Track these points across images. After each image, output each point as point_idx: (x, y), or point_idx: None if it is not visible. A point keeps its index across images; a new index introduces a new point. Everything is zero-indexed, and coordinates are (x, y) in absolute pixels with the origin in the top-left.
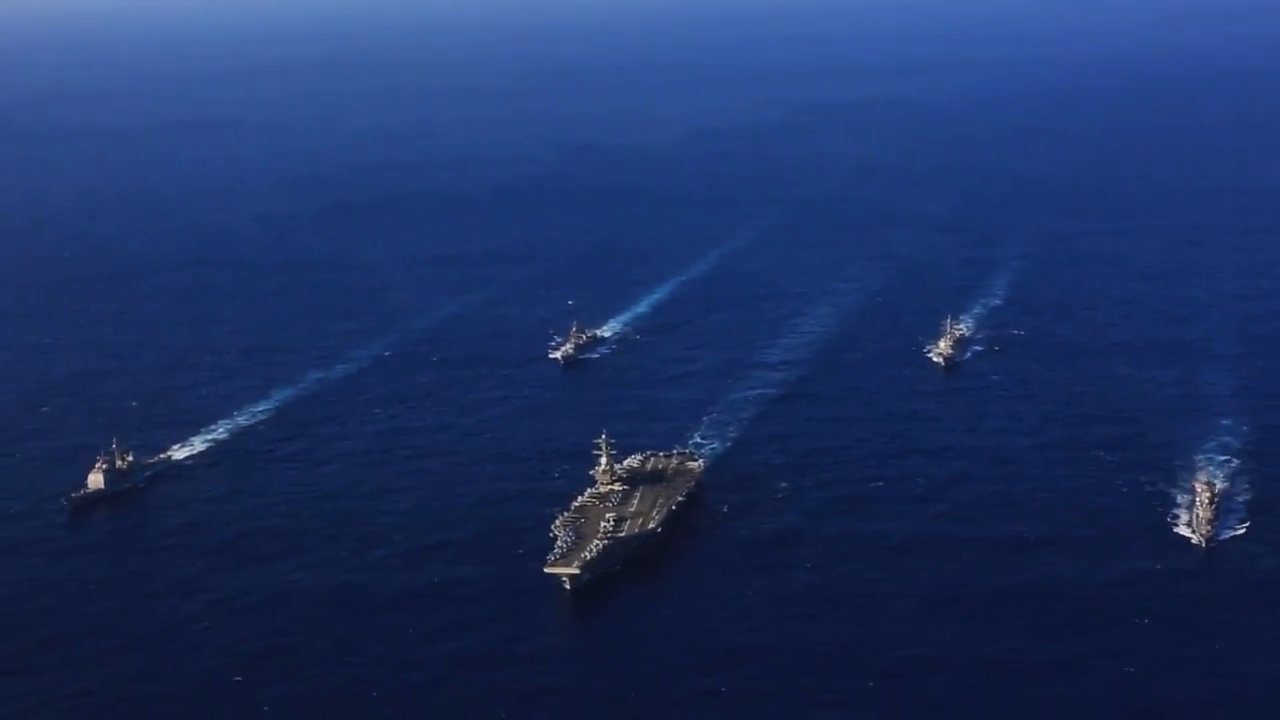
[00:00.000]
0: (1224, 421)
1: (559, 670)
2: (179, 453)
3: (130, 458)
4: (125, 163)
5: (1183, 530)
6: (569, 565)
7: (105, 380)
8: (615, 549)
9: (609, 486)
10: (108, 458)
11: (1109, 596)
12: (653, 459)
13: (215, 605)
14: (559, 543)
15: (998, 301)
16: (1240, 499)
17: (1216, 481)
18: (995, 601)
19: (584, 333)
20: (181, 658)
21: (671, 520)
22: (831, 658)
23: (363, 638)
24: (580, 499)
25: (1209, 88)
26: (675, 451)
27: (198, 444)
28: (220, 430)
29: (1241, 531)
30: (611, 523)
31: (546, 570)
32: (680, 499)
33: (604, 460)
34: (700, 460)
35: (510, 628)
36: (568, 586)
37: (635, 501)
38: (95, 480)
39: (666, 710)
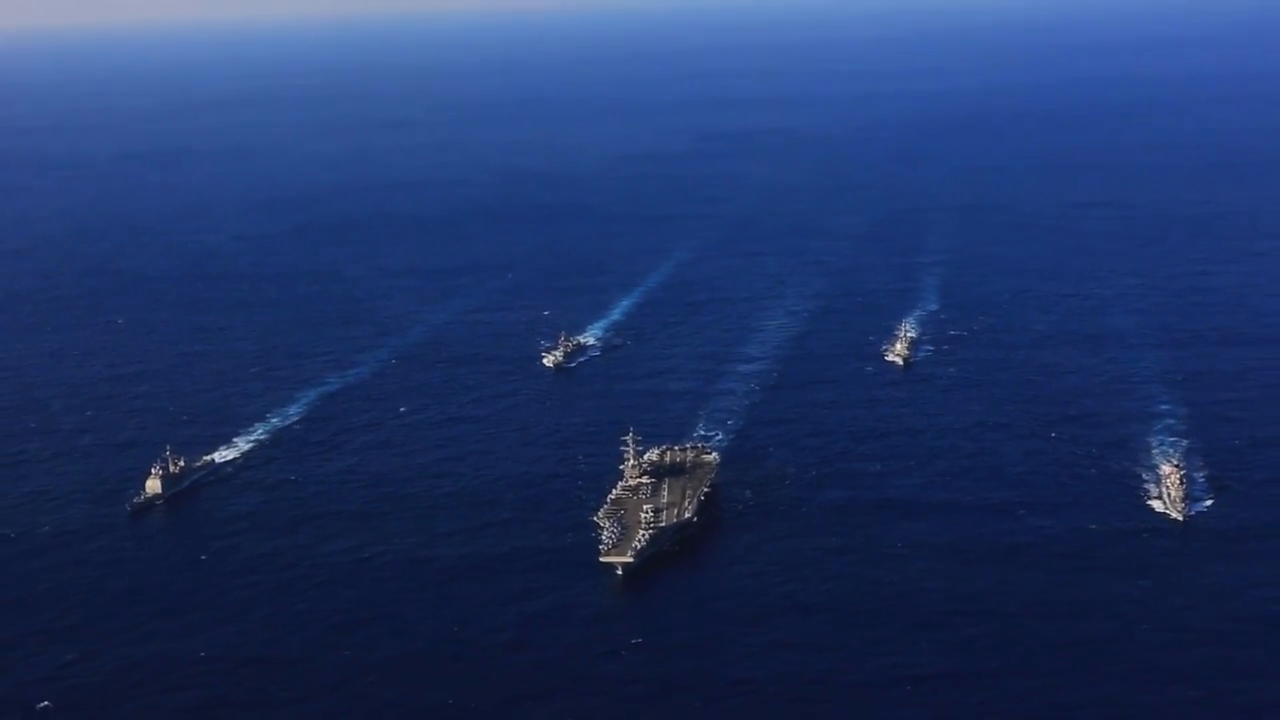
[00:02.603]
0: (1163, 406)
1: (629, 627)
2: (222, 455)
3: (181, 462)
4: (97, 190)
5: (1157, 506)
6: (623, 554)
7: (135, 384)
8: (659, 537)
9: (637, 479)
10: (162, 464)
11: (1105, 553)
12: (669, 452)
13: (300, 580)
14: (606, 533)
15: (934, 306)
16: (1199, 476)
17: (1180, 465)
18: (1005, 556)
19: (571, 340)
20: (284, 627)
21: (701, 508)
22: (870, 611)
23: (444, 603)
24: (614, 492)
25: (1081, 117)
26: (690, 445)
27: (241, 445)
28: (259, 431)
29: (1210, 503)
30: (650, 513)
31: (602, 560)
32: (706, 489)
33: (631, 456)
34: (715, 453)
35: (572, 594)
36: (620, 573)
37: (665, 493)
38: (153, 486)
39: (735, 657)
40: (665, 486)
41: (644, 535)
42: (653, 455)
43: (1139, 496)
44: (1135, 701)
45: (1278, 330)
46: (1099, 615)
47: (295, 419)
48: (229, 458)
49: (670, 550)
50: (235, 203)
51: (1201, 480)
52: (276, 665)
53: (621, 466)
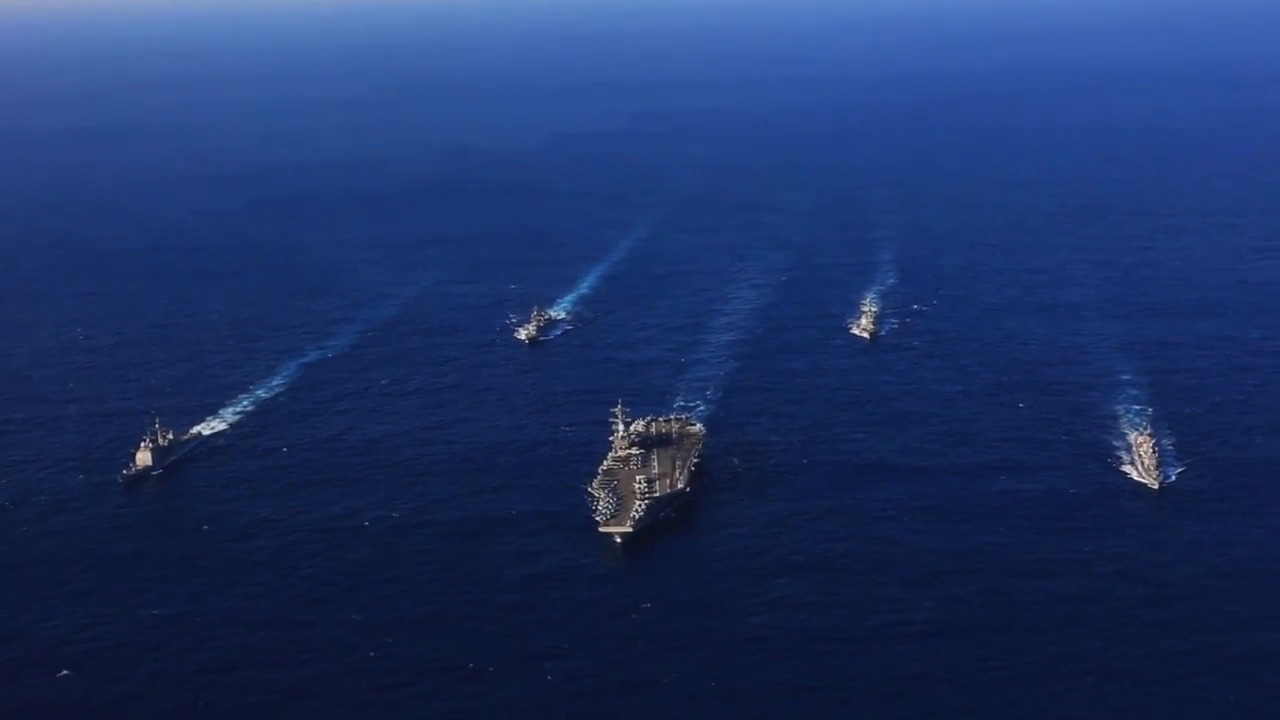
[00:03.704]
0: (1124, 377)
1: (634, 588)
2: (210, 427)
3: (170, 435)
4: (47, 165)
5: (1131, 473)
6: (622, 524)
7: (113, 355)
8: (654, 507)
9: (626, 451)
10: (151, 436)
11: (1085, 515)
12: (655, 423)
13: (302, 544)
14: (602, 504)
15: (892, 280)
16: (1168, 444)
17: (1151, 433)
18: (990, 517)
19: (543, 314)
20: (293, 590)
21: (691, 478)
22: (866, 570)
23: (449, 566)
24: (605, 463)
25: (1014, 101)
26: (675, 416)
27: (228, 416)
28: (244, 403)
29: (1182, 470)
30: (644, 484)
31: (601, 530)
32: (696, 460)
33: (620, 427)
34: (700, 425)
35: (574, 557)
36: (619, 541)
37: (655, 464)
38: (143, 458)
39: (740, 615)
40: (655, 457)
41: (640, 505)
42: (638, 427)
43: (1111, 463)
44: (1126, 655)
45: (1220, 302)
46: (1085, 573)
47: (279, 389)
48: (218, 429)
49: (666, 519)
50: (189, 179)
51: (1170, 448)
52: (289, 627)
53: (611, 438)
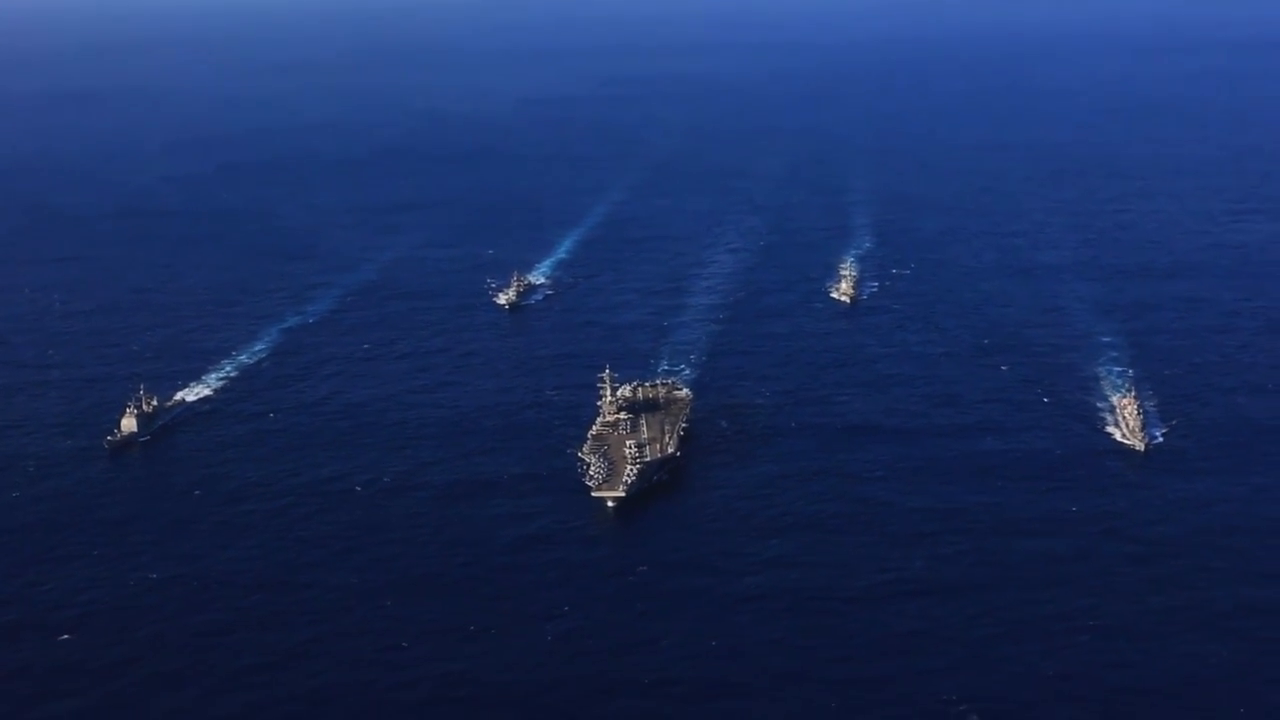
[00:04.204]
0: (1105, 339)
1: (628, 550)
2: (195, 393)
3: (154, 402)
4: (13, 130)
5: (1115, 435)
6: (614, 489)
7: (92, 321)
8: (646, 472)
9: (615, 415)
10: (136, 403)
11: (1072, 474)
12: (641, 388)
13: (295, 507)
14: (593, 469)
15: (869, 244)
16: (1151, 406)
17: (1134, 395)
18: (977, 476)
19: (523, 279)
20: (288, 552)
21: (681, 442)
22: (856, 529)
23: (443, 527)
24: (594, 428)
25: (981, 65)
26: (661, 381)
27: (212, 381)
28: (228, 368)
29: (1166, 431)
30: (635, 449)
31: (594, 494)
32: (684, 425)
33: (608, 393)
34: (686, 390)
35: (564, 517)
36: (611, 506)
37: (644, 429)
38: (129, 425)
39: (735, 574)
40: (644, 422)
41: (632, 470)
42: (625, 392)
43: (1095, 425)
44: (1119, 612)
45: (1197, 264)
46: (1074, 532)
47: (261, 354)
48: (202, 394)
49: (658, 483)
50: (157, 144)
51: (1154, 409)
52: (286, 589)
53: (598, 403)
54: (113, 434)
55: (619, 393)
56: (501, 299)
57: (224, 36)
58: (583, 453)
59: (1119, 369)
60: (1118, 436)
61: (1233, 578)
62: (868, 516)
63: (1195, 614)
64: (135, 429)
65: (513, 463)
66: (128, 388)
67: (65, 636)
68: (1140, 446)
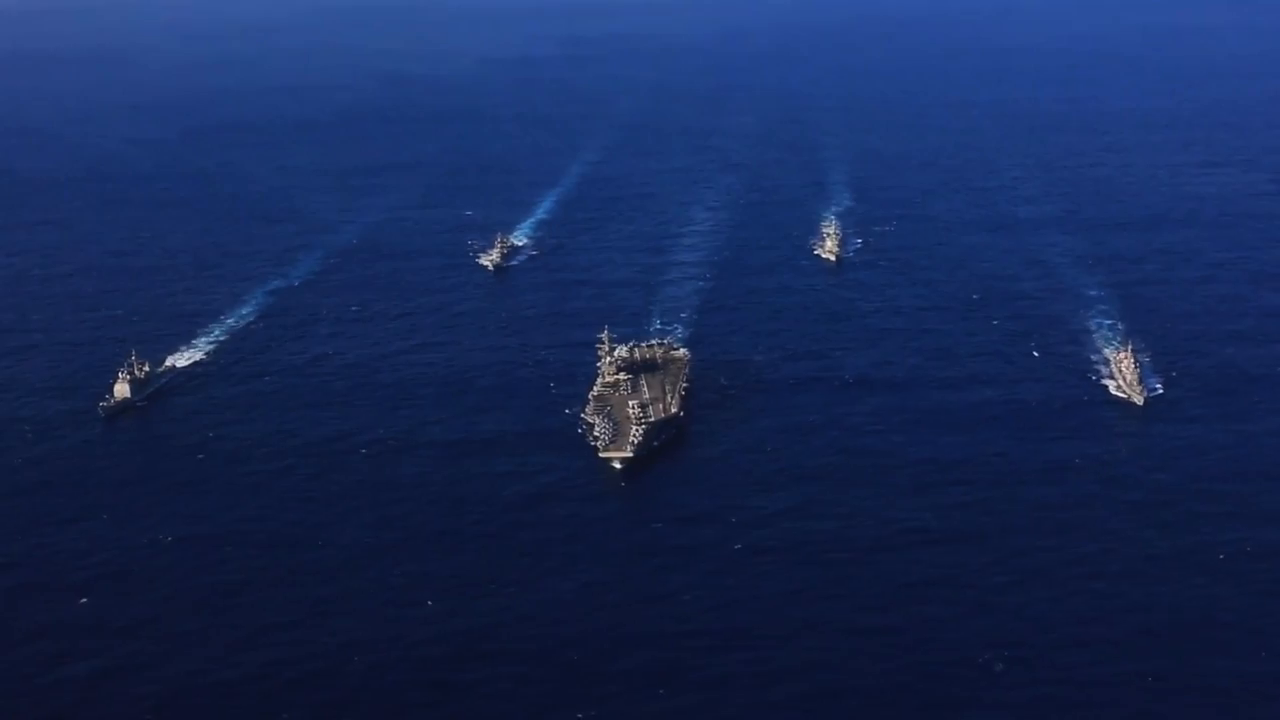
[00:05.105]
0: (1091, 292)
1: (639, 505)
2: (186, 357)
3: (146, 368)
4: None
5: (1111, 387)
6: (622, 450)
7: (72, 284)
8: (651, 432)
9: (614, 376)
10: (128, 368)
11: (1072, 424)
12: (638, 349)
13: (299, 466)
14: (598, 429)
15: (849, 202)
16: (1145, 358)
17: (1130, 349)
18: (978, 427)
19: (506, 240)
20: (297, 511)
21: (682, 402)
22: (862, 480)
23: (449, 484)
24: (594, 389)
25: (947, 21)
26: (657, 341)
27: (202, 344)
28: (216, 331)
29: (1162, 382)
30: (638, 409)
31: (601, 455)
32: (685, 385)
33: (607, 353)
34: (684, 349)
35: (569, 473)
36: (618, 467)
37: (645, 389)
38: (121, 390)
39: (746, 525)
40: (644, 382)
41: (638, 431)
42: (622, 352)
43: (1089, 377)
44: (1130, 555)
45: (1174, 216)
46: (1077, 480)
47: (249, 317)
48: (194, 359)
49: (664, 443)
50: (119, 106)
51: (1148, 361)
52: (299, 548)
53: (598, 364)
54: (106, 399)
55: (617, 354)
56: (485, 260)
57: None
58: (586, 414)
59: (1109, 322)
60: (1113, 389)
61: (1234, 522)
62: (872, 468)
63: (1201, 558)
64: (129, 394)
65: (512, 421)
66: (115, 351)
67: (84, 600)
68: (1139, 400)
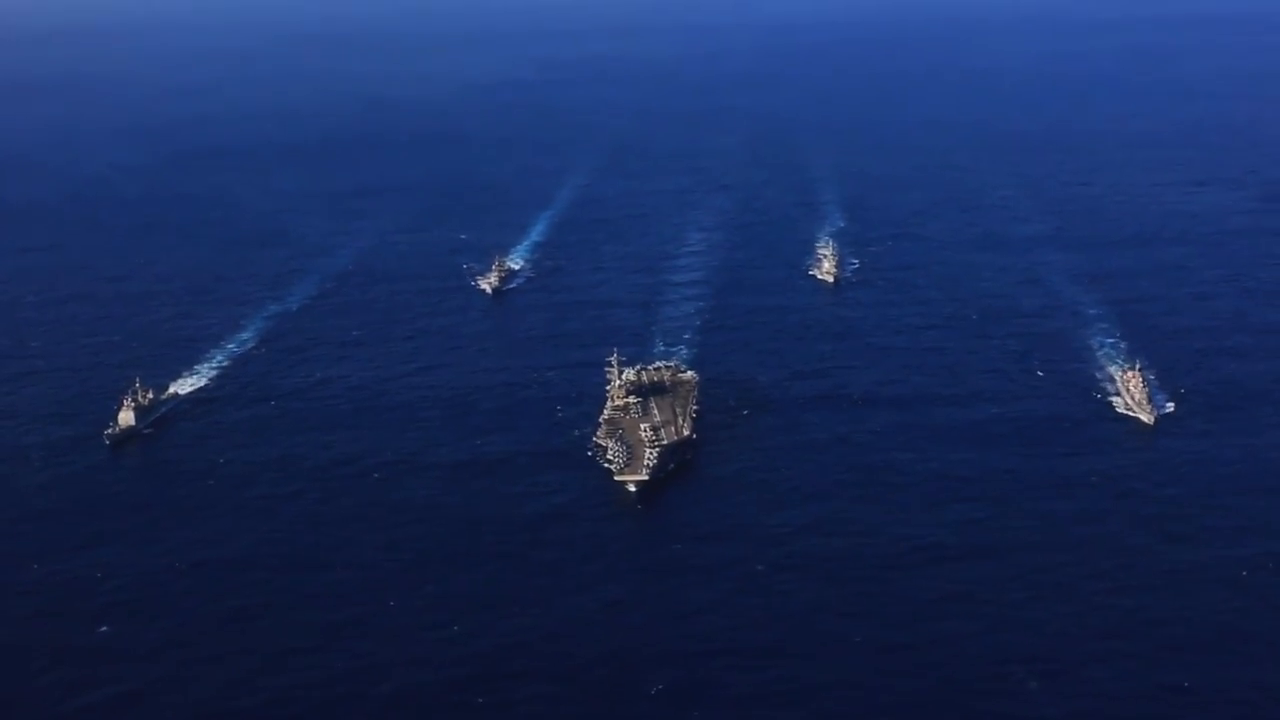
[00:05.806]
0: (1090, 310)
1: (655, 525)
2: (190, 383)
3: (150, 395)
4: None
5: (1118, 404)
6: (637, 473)
7: (69, 309)
8: (665, 455)
9: (624, 399)
10: (132, 395)
11: (1082, 440)
12: (645, 371)
13: (310, 489)
14: (612, 453)
15: (842, 223)
16: (1151, 376)
17: (1136, 368)
18: (988, 443)
19: (503, 264)
20: (310, 534)
21: (694, 425)
22: (875, 496)
23: (463, 505)
24: (605, 413)
25: (918, 43)
26: (665, 364)
27: (205, 370)
28: (219, 357)
29: (1170, 400)
30: (651, 432)
31: (617, 479)
32: (695, 407)
33: (615, 376)
34: (691, 372)
35: (583, 492)
36: (633, 489)
37: (656, 412)
38: (126, 418)
39: (764, 543)
40: (654, 405)
41: (651, 454)
42: (630, 375)
43: (1094, 394)
44: (1148, 568)
45: (1166, 233)
46: (1090, 495)
47: (250, 342)
48: (197, 385)
49: (678, 466)
50: (101, 132)
51: (1154, 379)
52: (314, 571)
53: (607, 387)
54: (111, 427)
55: (625, 377)
56: (484, 284)
57: (155, 23)
58: (598, 437)
59: (1109, 340)
60: (1119, 406)
61: (1250, 536)
62: (885, 485)
63: (1222, 571)
64: (134, 422)
65: (520, 442)
66: (115, 376)
67: (104, 628)
68: (1148, 419)
